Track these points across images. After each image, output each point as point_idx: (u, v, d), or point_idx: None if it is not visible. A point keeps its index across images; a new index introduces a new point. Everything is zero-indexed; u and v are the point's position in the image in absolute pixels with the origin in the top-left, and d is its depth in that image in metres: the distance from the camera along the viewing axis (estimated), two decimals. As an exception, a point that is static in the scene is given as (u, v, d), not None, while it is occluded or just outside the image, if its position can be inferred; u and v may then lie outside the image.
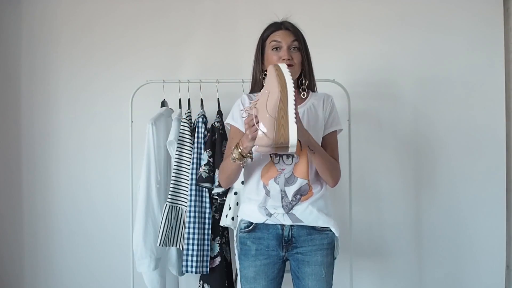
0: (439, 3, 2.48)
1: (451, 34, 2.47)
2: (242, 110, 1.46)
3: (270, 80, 1.31)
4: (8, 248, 2.57)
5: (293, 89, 1.26)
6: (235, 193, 1.98)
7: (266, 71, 1.57)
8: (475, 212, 2.47)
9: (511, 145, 2.47)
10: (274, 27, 1.58)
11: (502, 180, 2.46)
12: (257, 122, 1.27)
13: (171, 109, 2.26)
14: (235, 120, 1.57)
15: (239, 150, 1.37)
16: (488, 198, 2.46)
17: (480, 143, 2.47)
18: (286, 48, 1.52)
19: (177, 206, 2.06)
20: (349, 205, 2.19)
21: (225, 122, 1.64)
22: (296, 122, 1.24)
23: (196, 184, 2.02)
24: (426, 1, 2.48)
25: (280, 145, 1.24)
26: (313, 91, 1.64)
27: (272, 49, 1.54)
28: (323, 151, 1.51)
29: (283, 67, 1.31)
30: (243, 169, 1.53)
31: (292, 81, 1.27)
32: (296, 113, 1.26)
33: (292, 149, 1.26)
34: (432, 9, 2.48)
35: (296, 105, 1.27)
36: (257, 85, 1.62)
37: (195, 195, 2.02)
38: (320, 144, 1.56)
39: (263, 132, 1.24)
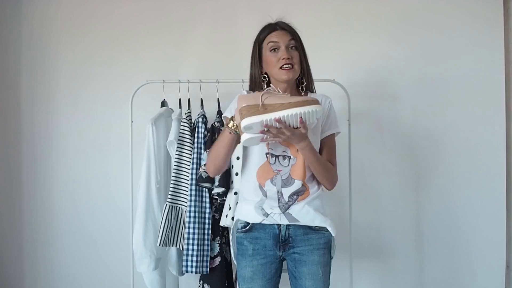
0: (439, 3, 2.48)
1: (451, 34, 2.47)
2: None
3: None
4: (8, 248, 2.57)
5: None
6: (235, 193, 1.98)
7: (265, 73, 1.58)
8: (475, 212, 2.47)
9: (511, 145, 2.46)
10: (270, 28, 1.57)
11: (502, 180, 2.46)
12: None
13: (171, 109, 2.26)
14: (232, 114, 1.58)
15: (232, 121, 1.47)
16: (488, 198, 2.46)
17: (480, 143, 2.46)
18: (284, 48, 1.52)
19: (177, 206, 2.06)
20: (349, 205, 2.19)
21: (222, 116, 1.65)
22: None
23: (196, 184, 2.02)
24: (426, 1, 2.48)
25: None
26: (312, 91, 1.64)
27: (270, 50, 1.54)
28: (320, 158, 1.51)
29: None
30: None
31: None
32: (278, 120, 1.36)
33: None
34: (432, 9, 2.48)
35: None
36: (256, 87, 1.62)
37: (195, 195, 2.02)
38: (318, 146, 1.56)
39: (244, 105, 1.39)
